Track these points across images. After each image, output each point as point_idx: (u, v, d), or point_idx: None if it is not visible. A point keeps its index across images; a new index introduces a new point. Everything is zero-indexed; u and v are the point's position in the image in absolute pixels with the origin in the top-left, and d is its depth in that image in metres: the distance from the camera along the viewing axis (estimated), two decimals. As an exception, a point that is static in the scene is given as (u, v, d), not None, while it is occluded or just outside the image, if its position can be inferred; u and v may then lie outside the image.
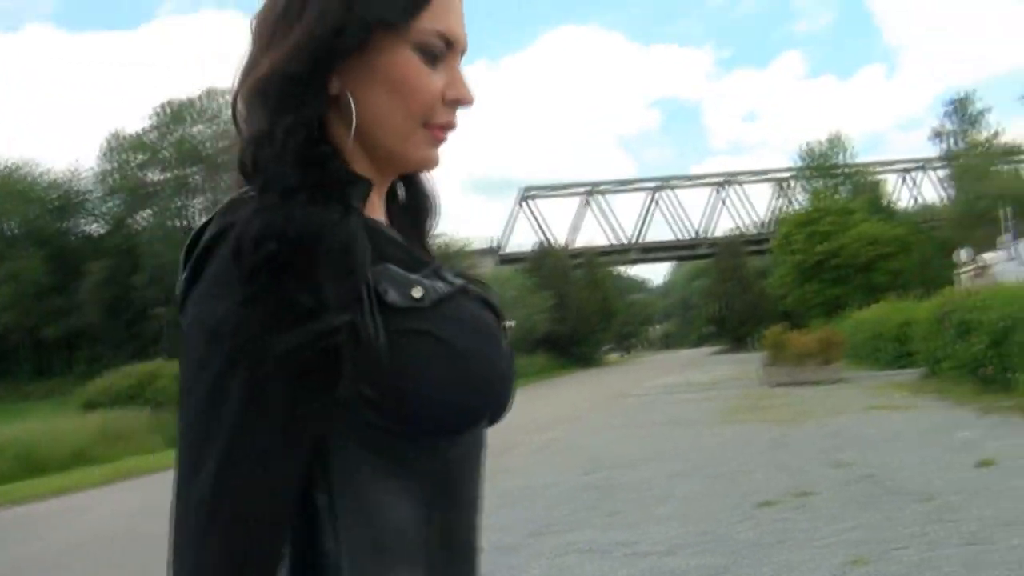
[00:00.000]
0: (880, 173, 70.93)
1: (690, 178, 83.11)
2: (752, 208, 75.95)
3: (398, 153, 1.05)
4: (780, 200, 70.54)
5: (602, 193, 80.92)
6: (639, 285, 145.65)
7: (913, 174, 74.39)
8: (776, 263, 52.05)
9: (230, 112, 1.05)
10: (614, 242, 78.70)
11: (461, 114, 1.08)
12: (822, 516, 7.42)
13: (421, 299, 0.97)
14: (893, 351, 24.86)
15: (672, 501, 8.68)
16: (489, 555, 1.28)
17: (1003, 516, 6.91)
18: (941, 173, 66.48)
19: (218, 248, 0.91)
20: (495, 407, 1.04)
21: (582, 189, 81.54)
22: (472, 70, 1.08)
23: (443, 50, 1.02)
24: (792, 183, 69.58)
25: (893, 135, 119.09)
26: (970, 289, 19.23)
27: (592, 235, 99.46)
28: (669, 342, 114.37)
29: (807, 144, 66.23)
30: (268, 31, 1.00)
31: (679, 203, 78.70)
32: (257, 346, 0.87)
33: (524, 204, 79.28)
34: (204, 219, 0.97)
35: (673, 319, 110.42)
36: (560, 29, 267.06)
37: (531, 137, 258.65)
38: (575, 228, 78.61)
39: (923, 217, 59.99)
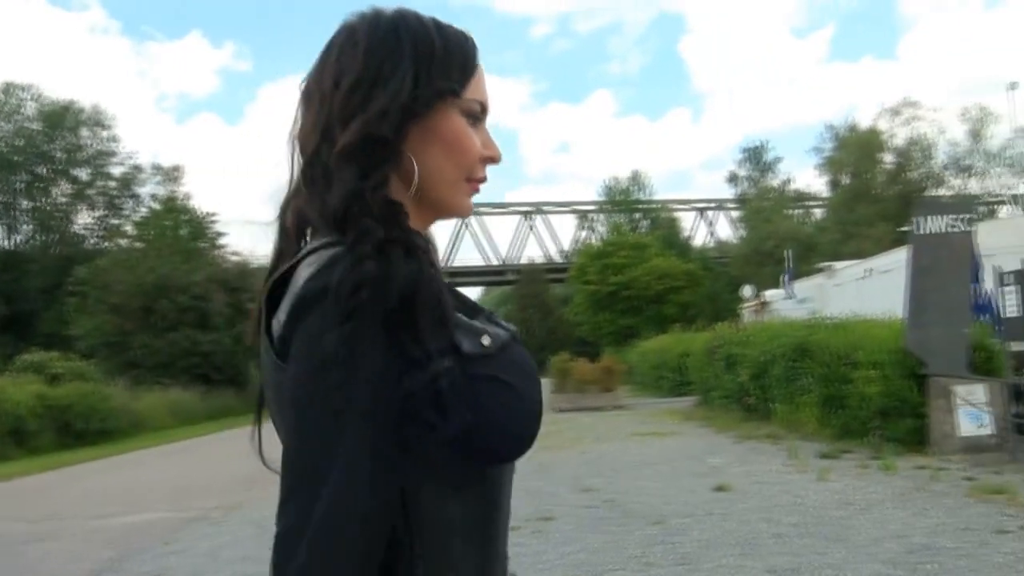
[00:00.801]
0: (679, 210, 74.09)
1: (500, 205, 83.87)
2: (557, 237, 77.72)
3: (446, 203, 1.21)
4: (584, 231, 72.46)
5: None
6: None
7: (710, 213, 78.14)
8: (575, 292, 53.55)
9: (298, 173, 1.18)
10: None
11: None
12: (553, 540, 7.57)
13: (489, 347, 1.10)
14: (673, 380, 25.85)
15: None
16: None
17: (720, 538, 7.25)
18: (735, 214, 69.79)
19: (323, 297, 1.01)
20: (535, 437, 1.13)
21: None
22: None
23: (480, 115, 1.20)
24: (595, 215, 71.63)
25: (697, 174, 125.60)
26: (739, 325, 20.26)
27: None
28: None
29: (611, 179, 68.67)
30: (341, 101, 1.12)
31: (488, 229, 79.55)
32: (370, 391, 1.00)
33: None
34: (285, 266, 1.11)
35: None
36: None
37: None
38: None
39: (716, 254, 63.03)
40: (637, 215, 66.80)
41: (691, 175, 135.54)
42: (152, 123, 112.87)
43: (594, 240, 63.61)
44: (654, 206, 68.54)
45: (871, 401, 12.07)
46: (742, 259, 51.99)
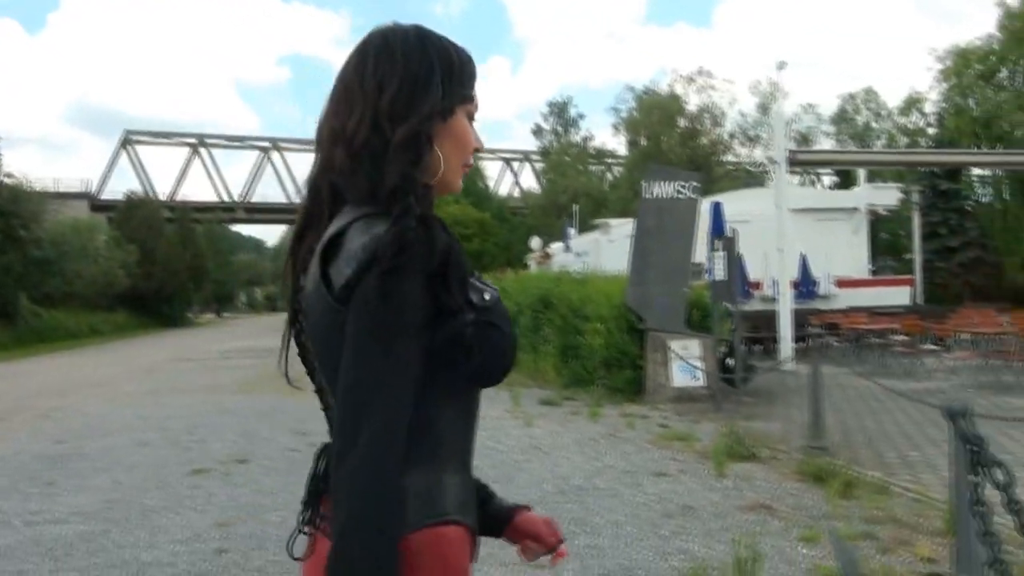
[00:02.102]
0: (485, 159, 74.62)
1: (303, 141, 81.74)
2: (362, 179, 76.60)
3: (449, 185, 1.54)
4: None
5: (212, 146, 77.58)
6: (255, 245, 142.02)
7: (516, 164, 79.13)
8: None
9: (338, 155, 1.45)
10: (225, 198, 75.98)
11: None
12: (232, 482, 7.75)
13: (488, 301, 1.42)
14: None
15: (117, 470, 8.49)
16: None
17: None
18: (539, 166, 70.73)
19: (385, 247, 1.31)
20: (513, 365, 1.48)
21: (191, 139, 77.65)
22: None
23: (473, 115, 1.56)
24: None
25: (514, 124, 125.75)
26: (506, 275, 20.72)
27: (200, 189, 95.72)
28: (272, 305, 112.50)
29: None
30: (389, 103, 1.43)
31: (291, 165, 77.61)
32: (413, 334, 1.32)
33: (126, 148, 74.42)
34: (333, 228, 1.40)
35: (280, 282, 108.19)
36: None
37: (146, 75, 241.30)
38: (181, 179, 74.87)
39: (519, 204, 63.89)
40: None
41: (509, 125, 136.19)
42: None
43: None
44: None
45: (597, 352, 12.70)
46: (539, 211, 53.03)
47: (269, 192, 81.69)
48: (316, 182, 1.51)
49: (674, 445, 8.85)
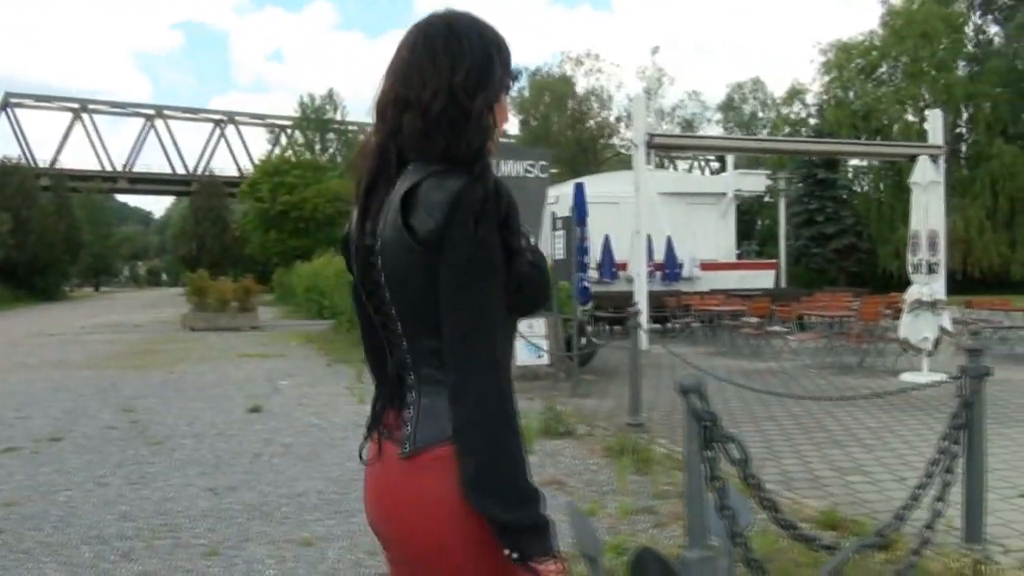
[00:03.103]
0: (377, 133, 73.82)
1: (192, 111, 79.58)
2: (250, 151, 74.77)
3: (493, 152, 1.72)
4: (274, 147, 70.16)
5: (95, 112, 74.78)
6: (142, 216, 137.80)
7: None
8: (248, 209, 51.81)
9: (409, 122, 1.68)
10: (107, 167, 73.46)
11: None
12: (37, 461, 7.45)
13: (530, 244, 1.71)
14: (321, 303, 25.87)
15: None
16: None
17: (199, 459, 7.36)
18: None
19: (470, 198, 1.58)
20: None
21: (73, 104, 74.70)
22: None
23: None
24: (290, 131, 69.61)
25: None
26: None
27: (83, 157, 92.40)
28: (156, 279, 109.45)
29: (306, 95, 66.86)
30: (463, 80, 1.67)
31: (176, 136, 75.44)
32: (498, 270, 1.61)
33: (6, 111, 71.31)
34: (409, 182, 1.64)
35: (166, 256, 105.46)
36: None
37: (33, 37, 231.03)
38: (62, 146, 72.02)
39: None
40: (330, 135, 65.45)
41: None
42: None
43: (289, 156, 61.32)
44: (350, 128, 67.49)
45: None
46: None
47: (153, 162, 79.33)
48: (384, 145, 1.74)
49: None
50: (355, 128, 68.31)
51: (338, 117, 66.38)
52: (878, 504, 5.71)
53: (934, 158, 19.56)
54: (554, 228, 12.08)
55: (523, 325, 11.93)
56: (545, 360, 11.95)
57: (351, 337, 18.52)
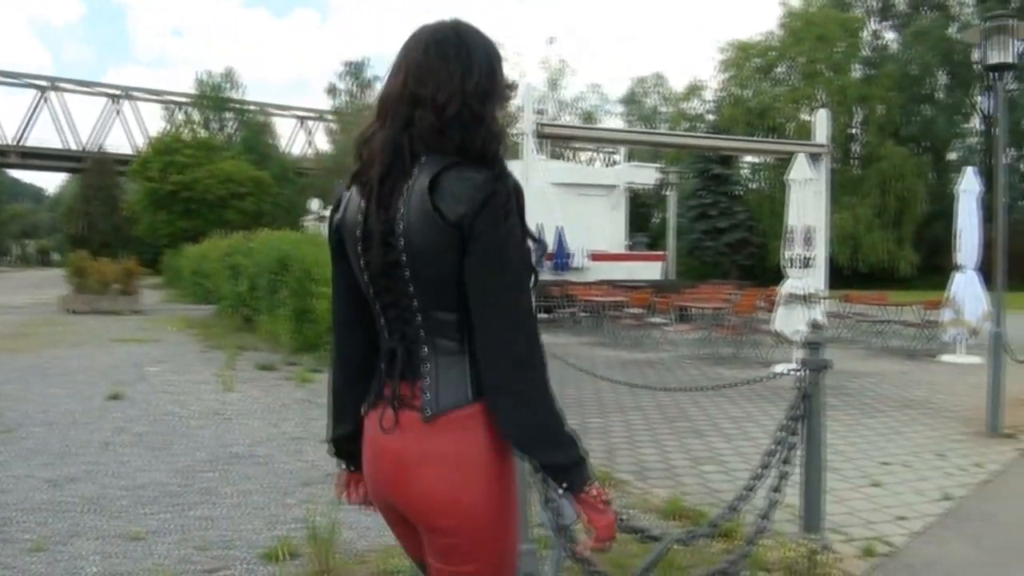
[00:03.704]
0: (278, 115, 72.36)
1: (86, 84, 76.51)
2: (145, 128, 72.14)
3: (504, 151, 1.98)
4: (169, 125, 67.98)
5: (-15, 85, 71.35)
6: (34, 193, 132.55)
7: (310, 123, 76.99)
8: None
9: (424, 121, 1.85)
10: (-2, 141, 70.18)
11: None
12: None
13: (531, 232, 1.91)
14: (206, 287, 25.23)
15: None
16: None
17: (46, 447, 7.02)
18: (334, 126, 69.06)
19: (503, 198, 1.79)
20: None
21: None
22: None
23: None
24: (188, 109, 67.65)
25: (318, 81, 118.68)
26: (257, 235, 19.97)
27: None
28: (47, 259, 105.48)
29: (204, 73, 65.08)
30: (475, 85, 1.86)
31: (70, 110, 72.56)
32: (528, 254, 1.85)
33: None
34: (432, 172, 1.81)
35: (56, 235, 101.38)
36: None
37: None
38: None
39: (311, 165, 62.39)
40: (228, 115, 63.83)
41: (309, 82, 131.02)
42: None
43: (184, 136, 59.44)
44: (250, 108, 66.03)
45: (326, 317, 12.36)
46: (326, 172, 51.97)
47: (47, 136, 76.13)
48: (397, 138, 1.85)
49: (364, 412, 8.66)
50: (254, 108, 66.89)
51: (236, 96, 64.63)
52: (727, 494, 5.74)
53: (818, 156, 20.06)
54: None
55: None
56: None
57: (232, 322, 18.15)
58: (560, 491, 1.85)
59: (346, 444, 2.13)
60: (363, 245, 1.89)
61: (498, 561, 1.94)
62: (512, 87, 1.96)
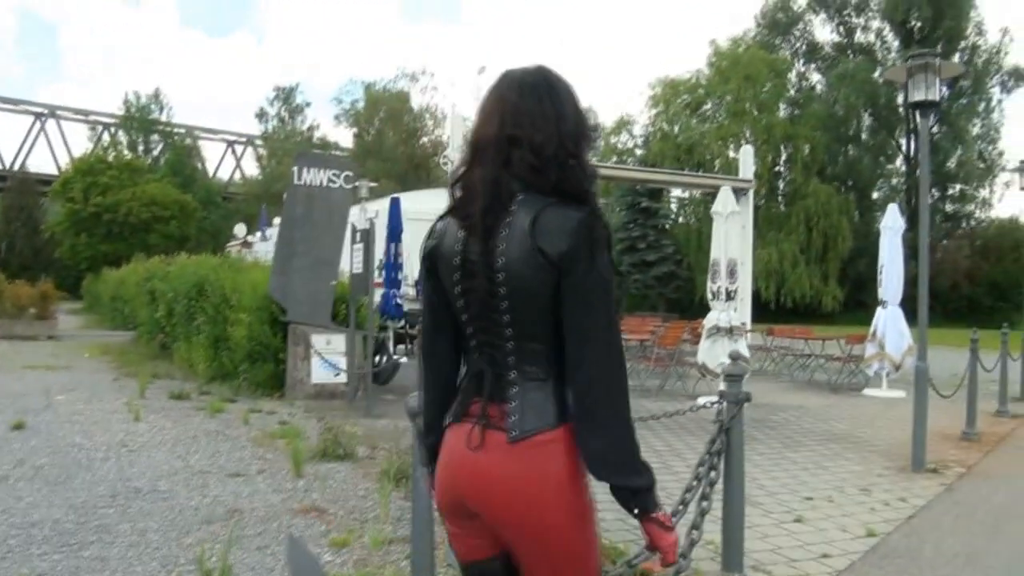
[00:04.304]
0: (207, 139, 71.32)
1: (11, 101, 74.29)
2: (71, 148, 70.35)
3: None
4: (97, 145, 66.34)
5: None
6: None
7: (239, 147, 75.95)
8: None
9: (522, 161, 2.02)
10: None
11: None
12: None
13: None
14: (125, 312, 24.57)
15: None
16: None
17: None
18: (263, 151, 68.22)
19: (602, 236, 1.96)
20: None
21: None
22: None
23: None
24: (113, 130, 66.15)
25: (250, 106, 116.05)
26: (177, 260, 19.47)
27: None
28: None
29: (131, 93, 63.69)
30: (570, 127, 2.04)
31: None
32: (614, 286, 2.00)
33: None
34: (533, 213, 1.96)
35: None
36: None
37: None
38: None
39: (238, 189, 61.46)
40: (155, 136, 62.61)
41: (242, 106, 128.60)
42: None
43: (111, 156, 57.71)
44: (178, 130, 64.88)
45: (241, 345, 12.02)
46: (253, 197, 51.33)
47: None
48: (497, 176, 1.99)
49: (276, 444, 8.29)
50: (182, 130, 65.67)
51: (164, 118, 63.46)
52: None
53: (743, 191, 20.25)
54: (354, 241, 11.62)
55: (321, 341, 11.50)
56: (343, 379, 11.50)
57: (149, 349, 17.61)
58: (633, 514, 2.00)
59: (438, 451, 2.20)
60: (461, 273, 2.05)
61: None
62: (597, 129, 2.15)
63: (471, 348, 2.11)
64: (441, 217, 2.16)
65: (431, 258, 2.14)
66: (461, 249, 2.04)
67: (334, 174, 11.94)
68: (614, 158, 47.39)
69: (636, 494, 1.98)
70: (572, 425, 1.99)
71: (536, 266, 1.92)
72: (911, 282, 11.42)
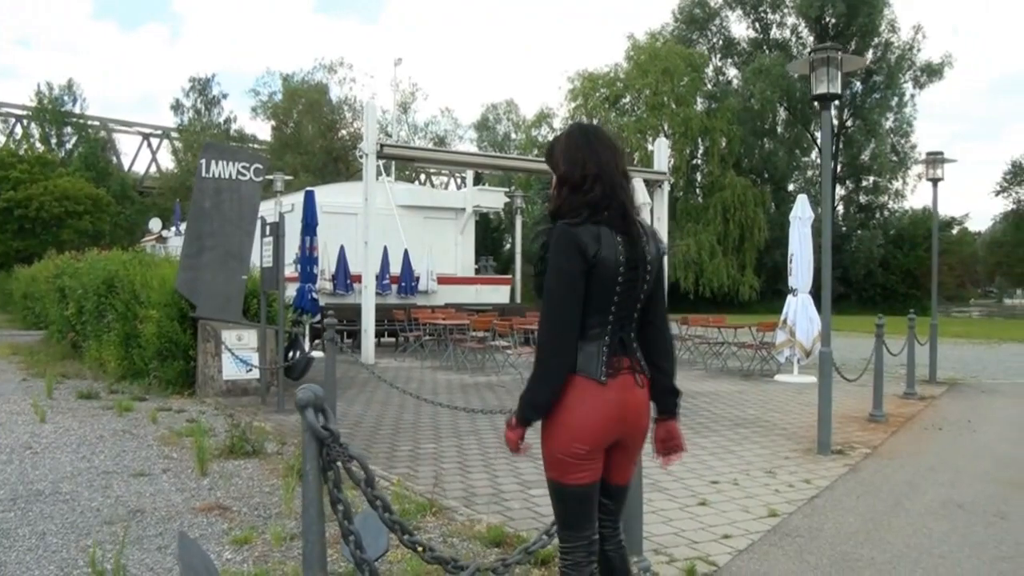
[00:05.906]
0: (121, 132, 69.48)
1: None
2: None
3: None
4: (9, 138, 64.28)
5: None
6: None
7: (155, 140, 74.11)
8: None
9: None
10: None
11: None
12: None
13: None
14: (36, 310, 23.89)
15: None
16: None
17: None
18: (179, 144, 66.64)
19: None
20: None
21: None
22: None
23: None
24: (25, 122, 64.08)
25: (164, 97, 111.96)
26: (86, 255, 18.95)
27: None
28: None
29: (44, 84, 61.75)
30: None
31: None
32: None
33: None
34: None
35: None
36: None
37: None
38: None
39: (154, 183, 60.05)
40: (68, 129, 60.75)
41: (156, 98, 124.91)
42: None
43: (25, 150, 55.75)
44: (92, 122, 63.07)
45: (151, 342, 11.78)
46: (169, 191, 50.26)
47: None
48: (621, 197, 2.90)
49: (183, 442, 8.13)
50: (96, 123, 63.89)
51: (77, 110, 61.56)
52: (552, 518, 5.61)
53: (658, 183, 20.50)
54: (263, 235, 11.44)
55: (232, 337, 11.34)
56: (255, 375, 11.35)
57: (59, 349, 17.15)
58: None
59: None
60: (624, 270, 2.81)
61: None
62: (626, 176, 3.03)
63: (608, 322, 2.84)
64: (584, 224, 2.79)
65: (595, 260, 2.75)
66: (623, 251, 2.81)
67: (243, 166, 11.72)
68: (535, 151, 47.49)
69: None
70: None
71: (660, 262, 2.96)
72: (820, 270, 11.69)
